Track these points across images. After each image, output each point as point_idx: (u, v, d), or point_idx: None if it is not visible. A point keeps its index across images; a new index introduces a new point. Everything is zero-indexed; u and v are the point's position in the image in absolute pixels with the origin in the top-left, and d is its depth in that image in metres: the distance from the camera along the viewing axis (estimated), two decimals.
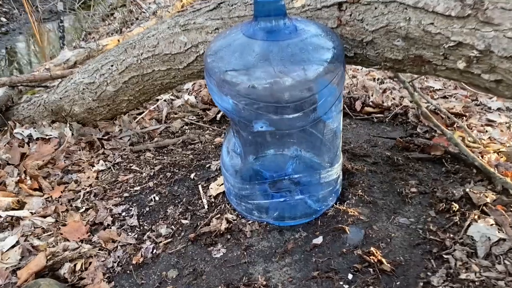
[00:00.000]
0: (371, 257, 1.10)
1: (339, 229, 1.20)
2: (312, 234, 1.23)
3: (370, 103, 1.97)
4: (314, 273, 1.10)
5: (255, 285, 1.09)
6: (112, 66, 1.77)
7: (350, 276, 1.07)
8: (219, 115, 2.02)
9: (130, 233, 1.37)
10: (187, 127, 1.96)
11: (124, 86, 1.78)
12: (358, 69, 2.66)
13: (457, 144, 1.37)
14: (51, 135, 1.88)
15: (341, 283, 1.06)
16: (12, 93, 2.07)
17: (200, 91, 2.28)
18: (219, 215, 1.35)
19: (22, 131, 1.88)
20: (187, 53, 1.57)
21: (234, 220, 1.30)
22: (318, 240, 1.20)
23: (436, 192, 1.30)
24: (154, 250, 1.28)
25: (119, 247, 1.32)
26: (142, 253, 1.27)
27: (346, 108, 1.98)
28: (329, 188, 1.26)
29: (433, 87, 2.27)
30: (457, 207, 1.22)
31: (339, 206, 1.29)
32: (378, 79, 2.38)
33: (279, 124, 1.09)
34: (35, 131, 1.90)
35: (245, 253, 1.19)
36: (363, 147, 1.62)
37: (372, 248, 1.12)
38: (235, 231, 1.27)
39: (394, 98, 2.04)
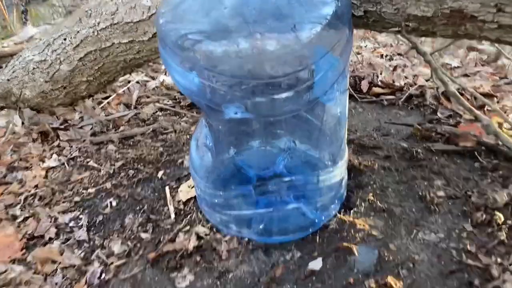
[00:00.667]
0: None
1: (345, 249, 0.90)
2: (308, 256, 0.92)
3: (379, 83, 1.66)
4: None
5: None
6: (65, 39, 1.45)
7: None
8: None
9: (76, 250, 1.07)
10: (160, 113, 1.64)
11: (80, 64, 1.46)
12: (362, 47, 2.34)
13: (497, 133, 1.06)
14: None
15: None
16: None
17: None
18: (188, 227, 1.04)
19: None
20: (152, 20, 1.25)
21: (206, 235, 1.00)
22: (316, 264, 0.89)
23: (471, 197, 0.99)
24: (103, 275, 0.98)
25: (58, 270, 1.01)
26: (87, 279, 0.97)
27: (351, 89, 1.66)
28: (331, 192, 0.95)
29: (450, 64, 1.94)
30: (502, 218, 0.91)
31: (343, 216, 0.98)
32: (386, 56, 2.06)
33: (260, 109, 0.77)
34: None
35: (218, 282, 0.89)
36: (372, 137, 1.31)
37: (389, 278, 0.81)
38: (207, 250, 0.97)
39: (406, 77, 1.73)
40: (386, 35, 2.85)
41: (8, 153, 1.46)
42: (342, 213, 0.99)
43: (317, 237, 0.96)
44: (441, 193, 1.02)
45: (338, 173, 0.93)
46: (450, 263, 0.85)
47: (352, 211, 1.00)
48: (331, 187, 0.94)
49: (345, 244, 0.91)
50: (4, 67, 1.66)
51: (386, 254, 0.88)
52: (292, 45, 0.70)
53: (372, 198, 1.02)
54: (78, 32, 1.41)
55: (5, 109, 1.63)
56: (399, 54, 2.10)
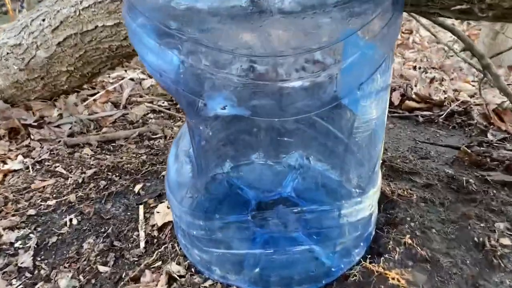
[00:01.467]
0: None
1: None
2: None
3: (413, 96, 1.39)
4: None
5: None
6: (44, 20, 1.23)
7: None
8: None
9: (13, 281, 0.81)
10: (152, 116, 1.40)
11: (59, 50, 1.23)
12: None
13: None
14: None
15: None
16: None
17: None
18: (159, 262, 0.78)
19: None
20: None
21: (180, 277, 0.74)
22: None
23: None
24: None
25: None
26: None
27: None
28: (355, 232, 0.68)
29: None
30: None
31: (370, 264, 0.71)
32: (419, 68, 1.80)
33: (259, 103, 0.51)
34: None
35: None
36: (407, 159, 1.04)
37: None
38: None
39: (445, 91, 1.46)
40: (415, 50, 2.59)
41: None
42: (368, 260, 0.72)
43: None
44: (506, 242, 0.75)
45: (367, 206, 0.67)
46: None
47: (382, 258, 0.73)
48: (357, 225, 0.67)
49: None
50: None
51: None
52: (313, 4, 0.45)
53: (409, 241, 0.75)
54: (58, 11, 1.19)
55: None
56: (434, 68, 1.83)
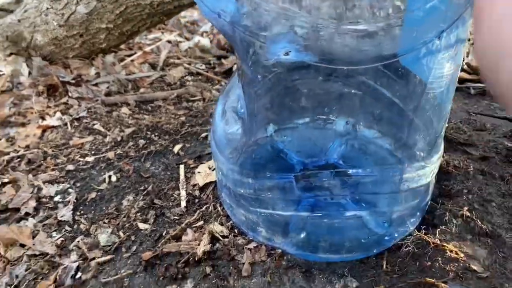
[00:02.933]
0: None
1: (426, 286, 0.59)
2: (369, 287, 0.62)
3: (465, 66, 1.31)
4: None
5: None
6: None
7: None
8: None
9: (53, 234, 0.81)
10: (189, 78, 1.36)
11: (99, 5, 1.21)
12: None
13: None
14: (1, 71, 1.33)
15: None
16: None
17: (219, 33, 1.66)
18: (200, 222, 0.76)
19: None
20: None
21: (224, 237, 0.71)
22: None
23: None
24: (79, 274, 0.72)
25: (25, 258, 0.76)
26: (58, 277, 0.71)
27: None
28: (412, 200, 0.64)
29: None
30: None
31: (424, 235, 0.67)
32: (469, 40, 1.68)
33: (325, 47, 0.46)
34: None
35: None
36: (461, 130, 0.98)
37: None
38: (223, 259, 0.68)
39: None
40: None
41: (7, 106, 1.23)
42: (423, 231, 0.68)
43: (384, 262, 0.65)
44: None
45: (429, 172, 0.62)
46: None
47: (438, 229, 0.68)
48: (415, 192, 0.63)
49: (428, 279, 0.59)
50: (18, 7, 1.43)
51: None
52: None
53: (467, 214, 0.70)
54: None
55: (13, 56, 1.39)
56: None
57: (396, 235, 0.66)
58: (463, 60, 1.31)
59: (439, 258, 0.62)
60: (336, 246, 0.65)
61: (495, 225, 0.69)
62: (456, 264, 0.61)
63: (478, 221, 0.69)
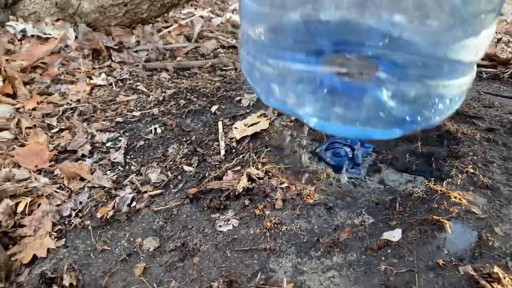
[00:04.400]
0: (495, 284, 0.59)
1: (433, 223, 0.70)
2: (383, 224, 0.73)
3: None
4: None
5: None
6: None
7: None
8: None
9: (108, 172, 0.94)
10: (222, 51, 1.47)
11: None
12: None
13: None
14: (50, 34, 1.45)
15: None
16: None
17: None
18: (239, 167, 0.88)
19: (16, 24, 1.47)
20: None
21: (259, 178, 0.83)
22: (394, 234, 0.70)
23: None
24: (134, 203, 0.84)
25: (86, 189, 0.88)
26: (115, 204, 0.84)
27: None
28: (437, 91, 0.62)
29: None
30: None
31: (434, 185, 0.78)
32: None
33: None
34: (33, 27, 1.48)
35: (268, 233, 0.72)
36: (471, 106, 1.08)
37: (496, 268, 0.61)
38: (259, 195, 0.80)
39: (511, 52, 1.45)
40: None
41: (56, 65, 1.35)
42: (432, 182, 0.79)
43: (397, 204, 0.76)
44: None
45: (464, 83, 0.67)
46: None
47: (445, 181, 0.80)
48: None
49: (434, 217, 0.71)
50: None
51: (489, 238, 0.67)
52: None
53: (471, 170, 0.81)
54: None
55: (61, 21, 1.51)
56: (498, 32, 1.81)
57: (419, 118, 0.63)
58: None
59: (445, 202, 0.74)
60: (357, 115, 0.63)
61: (495, 181, 0.79)
62: (459, 207, 0.72)
63: (481, 176, 0.80)
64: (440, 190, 0.76)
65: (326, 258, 0.68)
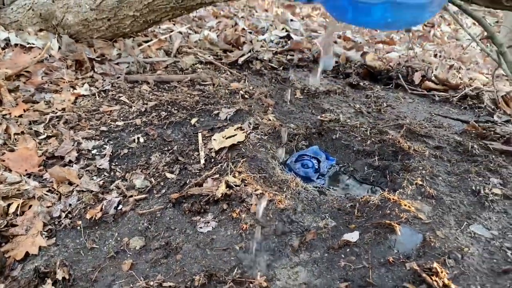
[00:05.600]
0: (433, 277, 0.71)
1: (385, 226, 0.82)
2: (344, 226, 0.85)
3: (433, 78, 1.56)
4: (340, 285, 0.72)
5: (250, 284, 0.72)
6: None
7: None
8: (241, 59, 1.63)
9: (94, 177, 1.01)
10: (200, 66, 1.57)
11: None
12: (415, 42, 2.24)
13: None
14: (33, 44, 1.51)
15: None
16: None
17: (225, 29, 1.87)
18: (217, 175, 0.97)
19: None
20: None
21: (236, 185, 0.92)
22: (352, 236, 0.82)
23: None
24: (120, 206, 0.92)
25: (75, 192, 0.95)
26: (103, 207, 0.91)
27: (401, 79, 1.56)
28: None
29: None
30: None
31: (388, 194, 0.90)
32: (440, 56, 1.96)
33: None
34: (16, 36, 1.53)
35: (243, 234, 0.82)
36: (423, 125, 1.22)
37: (435, 264, 0.73)
38: (235, 200, 0.89)
39: (461, 78, 1.62)
40: (434, 43, 2.73)
41: (39, 74, 1.41)
42: (386, 192, 0.91)
43: (356, 210, 0.88)
44: (497, 191, 0.93)
45: None
46: (503, 262, 0.76)
47: (397, 192, 0.92)
48: None
49: (387, 221, 0.82)
50: None
51: (432, 240, 0.79)
52: None
53: (420, 182, 0.94)
54: None
55: (44, 31, 1.57)
56: (452, 59, 2.00)
57: None
58: (432, 73, 1.57)
59: (396, 209, 0.86)
60: None
61: (439, 192, 0.92)
62: (408, 214, 0.85)
63: (427, 187, 0.92)
64: (393, 199, 0.88)
65: (294, 255, 0.78)
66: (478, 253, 0.78)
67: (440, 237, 0.80)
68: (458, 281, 0.72)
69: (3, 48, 1.49)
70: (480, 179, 0.98)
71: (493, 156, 1.06)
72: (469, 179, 0.97)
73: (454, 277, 0.72)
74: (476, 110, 1.40)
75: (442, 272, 0.72)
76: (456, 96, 1.46)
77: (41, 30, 1.59)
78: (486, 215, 0.87)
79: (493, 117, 1.32)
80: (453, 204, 0.90)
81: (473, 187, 0.94)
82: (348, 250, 0.79)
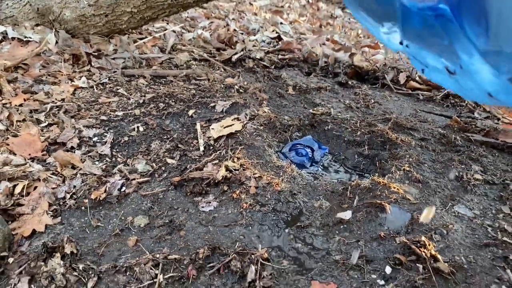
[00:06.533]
0: (422, 249, 0.77)
1: (376, 206, 0.88)
2: (337, 207, 0.90)
3: (417, 78, 1.64)
4: (336, 257, 0.78)
5: (252, 255, 0.76)
6: None
7: (388, 270, 0.75)
8: (235, 57, 1.68)
9: (97, 162, 1.04)
10: (194, 63, 1.62)
11: None
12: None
13: None
14: (31, 38, 1.53)
15: (373, 276, 0.74)
16: None
17: (217, 29, 1.93)
18: (217, 161, 1.02)
19: None
20: None
21: (235, 170, 0.97)
22: (346, 214, 0.87)
23: (510, 185, 0.97)
24: (123, 188, 0.95)
25: (78, 175, 0.99)
26: (107, 188, 0.94)
27: (387, 79, 1.64)
28: None
29: None
30: None
31: (378, 178, 0.96)
32: None
33: None
34: (13, 30, 1.55)
35: (244, 213, 0.86)
36: (409, 120, 1.29)
37: (423, 238, 0.79)
38: (235, 183, 0.94)
39: None
40: None
41: (37, 67, 1.43)
42: (376, 176, 0.97)
43: (348, 192, 0.93)
44: (478, 177, 1.00)
45: None
46: (484, 237, 0.83)
47: (386, 176, 0.98)
48: None
49: (378, 201, 0.88)
50: None
51: (419, 218, 0.85)
52: None
53: (408, 168, 1.00)
54: None
55: (41, 26, 1.60)
56: None
57: None
58: (416, 73, 1.65)
59: (386, 191, 0.92)
60: None
61: (425, 177, 0.99)
62: (397, 195, 0.91)
63: (414, 173, 0.99)
64: (382, 182, 0.94)
65: (292, 231, 0.83)
66: (461, 229, 0.84)
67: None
68: (444, 253, 0.78)
69: (0, 41, 1.51)
70: (462, 166, 1.05)
71: (475, 147, 1.13)
72: (452, 166, 1.04)
73: (440, 250, 0.79)
74: (458, 108, 1.48)
75: (429, 244, 0.78)
76: (439, 95, 1.54)
77: (37, 25, 1.61)
78: (469, 197, 0.94)
79: (473, 114, 1.40)
80: (438, 187, 0.96)
81: (456, 173, 1.01)
82: (342, 226, 0.85)
